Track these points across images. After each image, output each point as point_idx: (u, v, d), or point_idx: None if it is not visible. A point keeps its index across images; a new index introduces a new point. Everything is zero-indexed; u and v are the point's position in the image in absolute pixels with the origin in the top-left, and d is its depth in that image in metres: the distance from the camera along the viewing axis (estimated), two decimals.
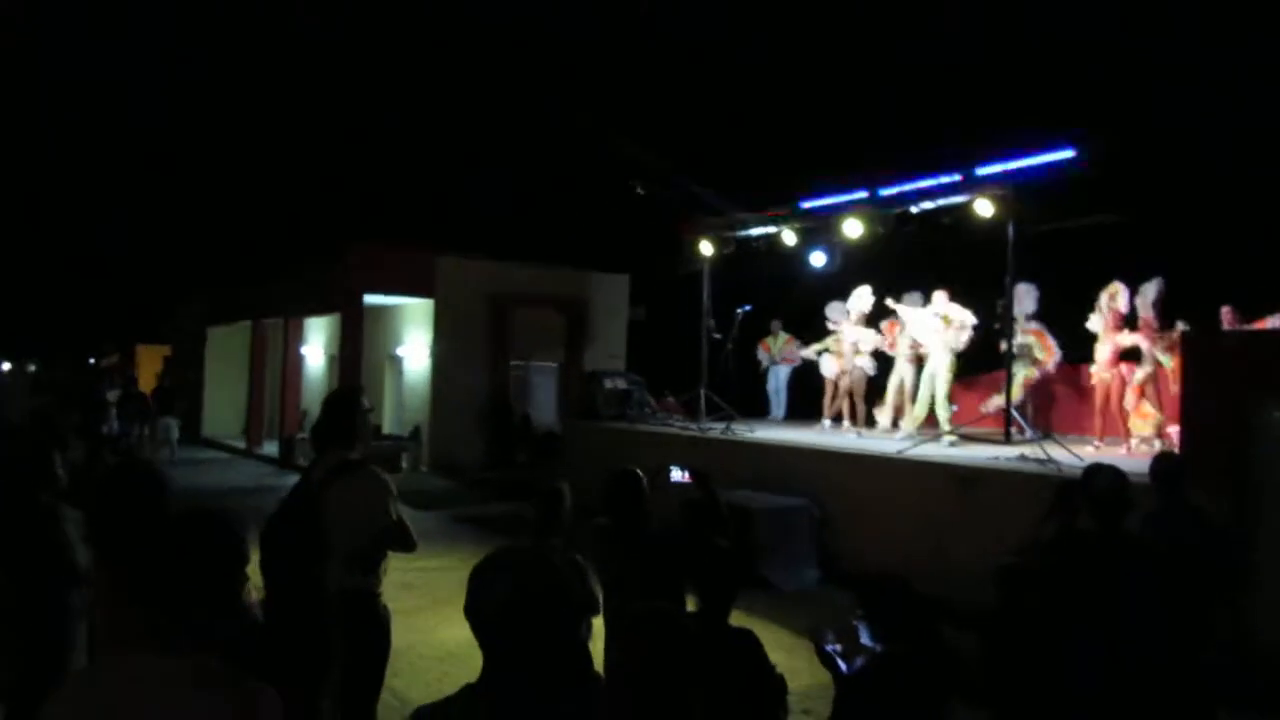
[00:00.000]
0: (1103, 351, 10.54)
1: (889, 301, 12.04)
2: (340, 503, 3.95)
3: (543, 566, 2.05)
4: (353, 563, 3.98)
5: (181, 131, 50.80)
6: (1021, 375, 11.33)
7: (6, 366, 25.95)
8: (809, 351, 13.86)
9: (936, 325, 11.13)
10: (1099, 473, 4.50)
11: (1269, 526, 6.59)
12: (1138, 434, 10.35)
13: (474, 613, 1.99)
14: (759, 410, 15.26)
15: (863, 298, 12.79)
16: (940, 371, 11.15)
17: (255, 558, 3.91)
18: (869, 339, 12.85)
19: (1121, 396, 10.44)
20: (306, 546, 3.78)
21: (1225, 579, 4.97)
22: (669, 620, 2.74)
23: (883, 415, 12.43)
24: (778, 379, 15.29)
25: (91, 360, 35.29)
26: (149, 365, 30.43)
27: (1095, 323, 10.69)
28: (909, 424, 11.52)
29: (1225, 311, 10.22)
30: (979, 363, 12.43)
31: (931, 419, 11.43)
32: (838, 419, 13.43)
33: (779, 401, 15.30)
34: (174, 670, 1.86)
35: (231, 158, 45.31)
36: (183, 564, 1.91)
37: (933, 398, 11.27)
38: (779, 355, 15.15)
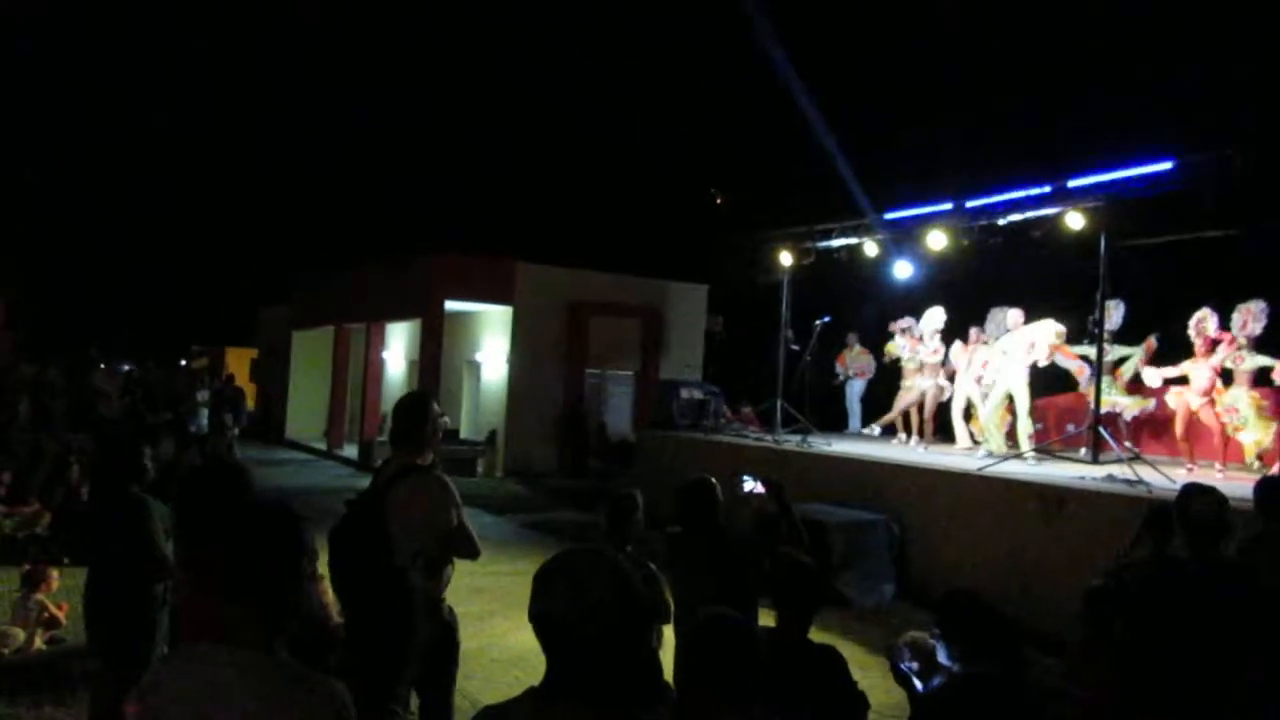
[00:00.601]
0: (1196, 378, 10.16)
1: (973, 332, 11.87)
2: (402, 505, 3.98)
3: (606, 570, 2.01)
4: (414, 565, 4.00)
5: (273, 140, 52.35)
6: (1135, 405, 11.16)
7: (102, 368, 26.92)
8: (887, 358, 13.69)
9: (1017, 352, 10.87)
10: (1197, 494, 4.30)
11: None
12: (1249, 456, 9.96)
13: (535, 617, 1.97)
14: (837, 424, 15.06)
15: (935, 317, 12.56)
16: (1019, 389, 10.86)
17: (325, 557, 3.99)
18: (938, 356, 12.60)
19: (1214, 420, 10.05)
20: (373, 546, 3.82)
21: None
22: (735, 626, 2.70)
23: (964, 437, 12.17)
24: (853, 392, 15.12)
25: (182, 362, 36.45)
26: (237, 367, 31.30)
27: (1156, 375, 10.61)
28: (990, 441, 11.24)
29: None
30: (1063, 381, 12.11)
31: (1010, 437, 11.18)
32: (891, 430, 13.38)
33: (856, 415, 15.12)
34: (244, 662, 1.88)
35: (321, 166, 46.47)
36: (249, 557, 1.93)
37: (1013, 415, 11.01)
38: (852, 369, 14.97)
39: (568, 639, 1.93)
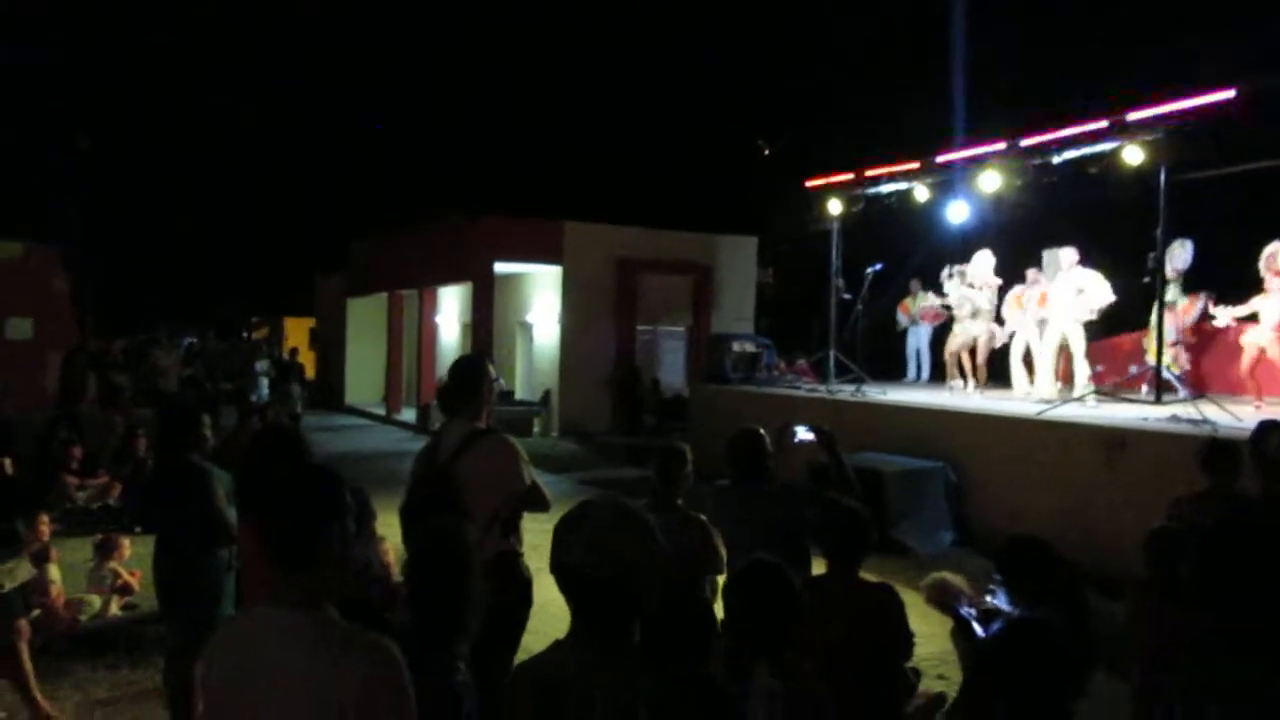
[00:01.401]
0: (1266, 313, 9.83)
1: (1030, 273, 11.58)
2: (474, 471, 4.00)
3: (624, 520, 2.02)
4: (492, 526, 4.04)
5: (322, 111, 52.69)
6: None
7: (164, 343, 27.54)
8: (952, 293, 13.34)
9: (1068, 296, 10.61)
10: (1275, 430, 4.16)
11: None
12: None
13: (556, 569, 2.00)
14: (894, 372, 14.89)
15: (984, 260, 12.24)
16: (1074, 332, 10.62)
17: (397, 521, 4.03)
18: (989, 301, 12.29)
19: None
20: (445, 513, 3.84)
21: None
22: (773, 571, 2.70)
23: (1023, 382, 11.95)
24: (919, 339, 14.89)
25: (244, 334, 37.14)
26: (296, 337, 31.81)
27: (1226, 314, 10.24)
28: (1046, 385, 11.01)
29: None
30: (1127, 320, 11.81)
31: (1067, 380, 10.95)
32: (961, 376, 13.01)
33: (920, 363, 14.91)
34: (295, 624, 1.92)
35: (366, 135, 46.73)
36: (293, 521, 1.95)
37: (1070, 358, 10.79)
38: (918, 314, 14.72)
39: (588, 589, 1.95)
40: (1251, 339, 9.95)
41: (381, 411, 23.69)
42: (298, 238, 44.20)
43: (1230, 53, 15.18)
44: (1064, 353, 11.01)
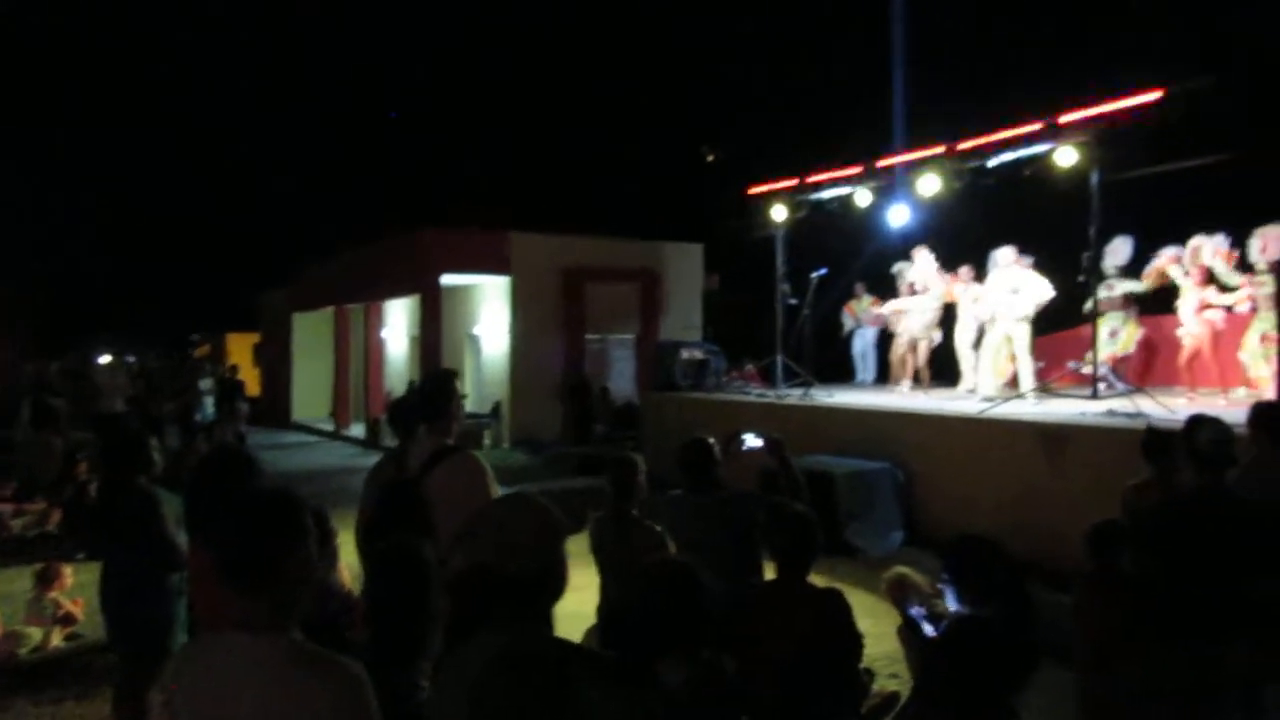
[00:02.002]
0: (1188, 305, 10.14)
1: (963, 270, 11.84)
2: (443, 488, 3.99)
3: (530, 517, 2.09)
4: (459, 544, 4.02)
5: (259, 122, 51.97)
6: (1126, 332, 11.06)
7: (106, 359, 26.93)
8: (886, 309, 13.63)
9: (1007, 293, 10.85)
10: (1203, 424, 4.29)
11: None
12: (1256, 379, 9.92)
13: (469, 570, 2.07)
14: (842, 375, 15.07)
15: (924, 262, 12.51)
16: (1016, 330, 10.85)
17: (351, 540, 4.00)
18: (936, 297, 12.54)
19: (1214, 349, 10.05)
20: (411, 530, 3.83)
21: None
22: (675, 572, 2.76)
23: (967, 377, 12.19)
24: (865, 341, 15.10)
25: (185, 351, 36.45)
26: (239, 353, 31.32)
27: (1176, 274, 10.37)
28: (989, 384, 11.23)
29: None
30: (1064, 318, 12.10)
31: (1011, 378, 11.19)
32: (915, 380, 13.24)
33: (867, 365, 15.11)
34: (264, 649, 1.91)
35: (308, 147, 46.18)
36: (254, 545, 1.95)
37: (1012, 356, 11.02)
38: (864, 317, 14.93)
39: (501, 587, 2.00)
40: (1185, 332, 10.25)
41: (329, 427, 23.42)
42: (239, 253, 43.55)
43: (1157, 55, 15.61)
44: (1008, 350, 11.23)
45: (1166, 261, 10.55)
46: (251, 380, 26.15)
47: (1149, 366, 12.01)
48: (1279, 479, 4.47)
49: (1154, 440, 4.93)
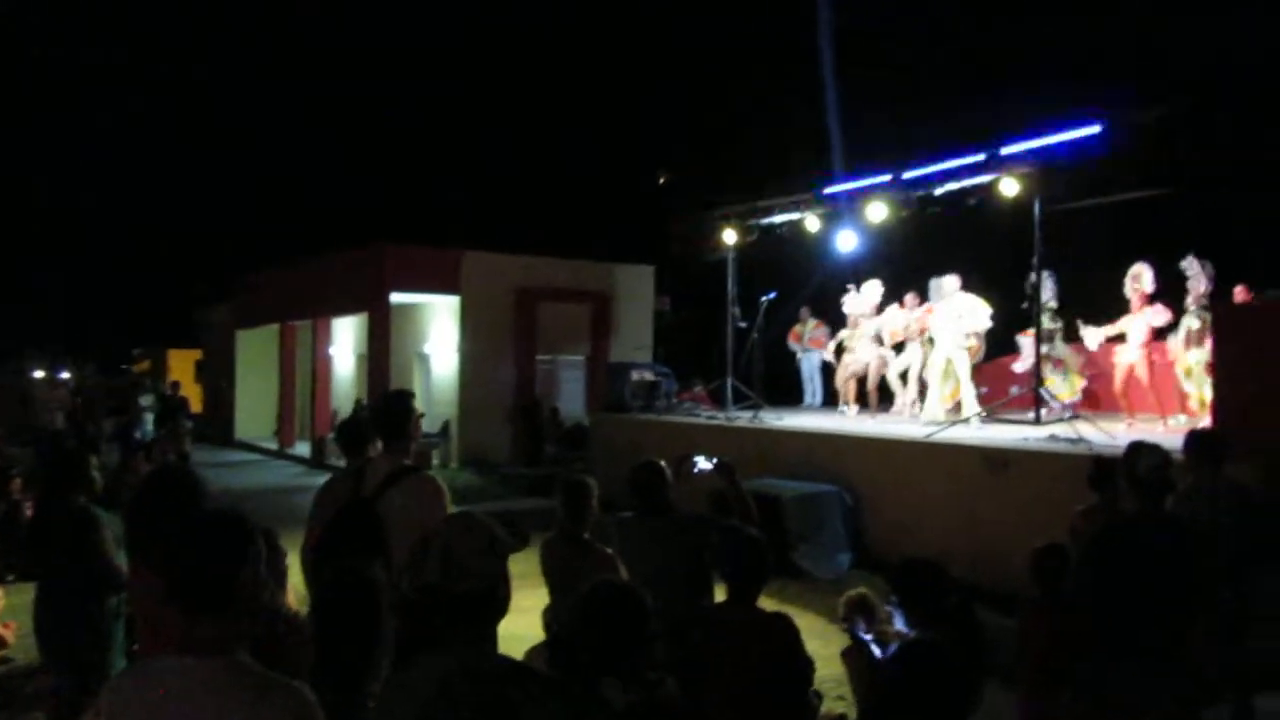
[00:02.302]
0: (1133, 332, 10.39)
1: (908, 298, 12.07)
2: (399, 509, 3.95)
3: (472, 536, 2.13)
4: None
5: (208, 134, 51.28)
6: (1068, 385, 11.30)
7: (40, 374, 26.27)
8: (830, 349, 13.79)
9: (952, 320, 11.05)
10: (1143, 451, 4.40)
11: None
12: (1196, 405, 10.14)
13: (414, 592, 2.10)
14: (791, 398, 15.19)
15: (872, 290, 12.71)
16: (959, 356, 11.04)
17: (296, 561, 3.95)
18: (887, 325, 12.72)
19: (1151, 375, 10.29)
20: (364, 549, 3.79)
21: (1269, 557, 4.88)
22: (624, 591, 2.78)
23: (903, 399, 12.39)
24: (812, 364, 15.25)
25: (123, 367, 35.71)
26: (180, 370, 30.74)
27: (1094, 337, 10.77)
28: (934, 408, 11.41)
29: (1239, 289, 10.06)
30: (1006, 344, 12.35)
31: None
32: (861, 405, 13.40)
33: (813, 389, 15.25)
34: (212, 671, 1.88)
35: (257, 161, 45.64)
36: (204, 567, 1.93)
37: (957, 380, 11.21)
38: (808, 340, 15.09)
39: (448, 606, 2.01)
40: (1123, 359, 10.49)
41: (274, 446, 23.06)
42: (181, 267, 42.84)
43: (1098, 89, 16.06)
44: (952, 375, 11.41)
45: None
46: (194, 397, 25.65)
47: (1089, 393, 12.26)
48: (1214, 504, 4.60)
49: (1099, 469, 5.05)
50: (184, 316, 31.93)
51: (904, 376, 12.41)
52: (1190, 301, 9.98)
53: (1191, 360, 9.98)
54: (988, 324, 11.05)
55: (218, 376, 27.54)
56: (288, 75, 49.46)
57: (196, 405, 25.92)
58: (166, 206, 46.68)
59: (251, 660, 1.94)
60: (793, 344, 15.29)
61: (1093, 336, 11.01)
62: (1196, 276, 9.98)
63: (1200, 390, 9.88)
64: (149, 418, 17.24)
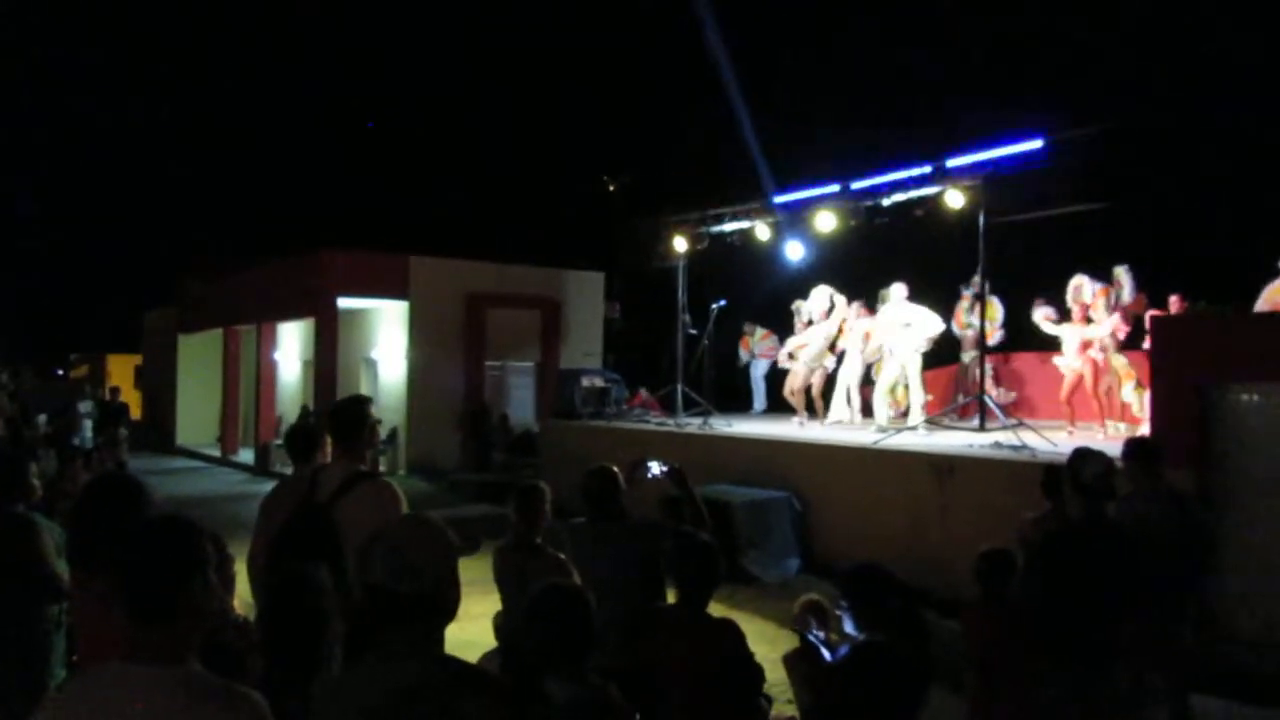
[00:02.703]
0: (1070, 341, 10.63)
1: (854, 306, 12.24)
2: (355, 515, 3.90)
3: (419, 534, 2.15)
4: None
5: (152, 138, 50.34)
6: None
7: None
8: (782, 356, 13.89)
9: (899, 328, 11.21)
10: (1087, 459, 4.50)
11: (1235, 506, 6.68)
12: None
13: (360, 590, 2.12)
14: (739, 404, 15.29)
15: (821, 298, 12.83)
16: (910, 362, 11.20)
17: (243, 569, 3.89)
18: (832, 333, 12.86)
19: (1095, 384, 10.53)
20: (318, 556, 3.75)
21: (1204, 561, 5.03)
22: (568, 591, 2.81)
23: (846, 410, 12.52)
24: (759, 372, 15.39)
25: (59, 371, 34.87)
26: (120, 375, 30.11)
27: (1044, 318, 10.91)
28: (881, 415, 11.56)
29: (1174, 300, 10.36)
30: (946, 353, 12.56)
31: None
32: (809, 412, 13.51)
33: (760, 395, 15.38)
34: (158, 679, 1.85)
35: (202, 163, 44.89)
36: (152, 574, 1.90)
37: (906, 388, 11.37)
38: (757, 350, 15.23)
39: (394, 605, 2.01)
40: (1070, 365, 10.71)
41: (216, 453, 22.68)
42: (120, 270, 41.96)
43: (1041, 104, 16.40)
44: (902, 383, 11.57)
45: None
46: (133, 403, 25.14)
47: (1030, 401, 12.51)
48: (1152, 509, 4.73)
49: (1051, 477, 5.17)
50: (124, 320, 31.28)
51: (847, 388, 12.55)
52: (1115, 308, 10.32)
53: (1116, 364, 10.34)
54: (940, 328, 11.22)
55: (158, 382, 27.02)
56: (235, 76, 48.78)
57: (136, 411, 25.41)
58: (106, 209, 45.72)
59: (202, 668, 1.91)
60: (742, 353, 15.42)
61: (1045, 322, 11.11)
62: (1124, 286, 10.30)
63: (1138, 399, 10.19)
64: (88, 424, 16.86)
